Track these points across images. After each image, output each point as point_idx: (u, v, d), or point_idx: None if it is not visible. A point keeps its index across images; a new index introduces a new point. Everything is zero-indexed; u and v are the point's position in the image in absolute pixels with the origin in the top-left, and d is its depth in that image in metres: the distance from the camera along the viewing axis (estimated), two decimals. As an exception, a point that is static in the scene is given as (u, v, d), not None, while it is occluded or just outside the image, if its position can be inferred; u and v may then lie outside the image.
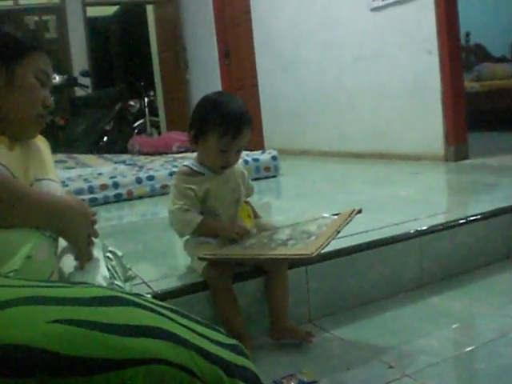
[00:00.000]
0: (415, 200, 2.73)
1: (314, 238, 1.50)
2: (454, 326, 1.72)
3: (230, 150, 1.66)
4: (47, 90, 1.28)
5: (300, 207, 2.89)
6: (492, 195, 2.81)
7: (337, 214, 1.66)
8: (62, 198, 1.18)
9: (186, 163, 1.73)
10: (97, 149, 6.83)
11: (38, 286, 0.77)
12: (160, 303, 0.81)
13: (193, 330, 0.77)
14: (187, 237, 1.72)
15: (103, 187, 3.43)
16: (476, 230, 2.19)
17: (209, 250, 1.60)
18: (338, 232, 1.52)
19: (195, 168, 1.70)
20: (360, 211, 1.63)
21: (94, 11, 9.03)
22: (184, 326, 0.77)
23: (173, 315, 0.78)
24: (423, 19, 3.94)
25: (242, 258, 1.52)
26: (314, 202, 2.97)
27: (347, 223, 1.57)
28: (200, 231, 1.65)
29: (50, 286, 0.78)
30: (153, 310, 0.77)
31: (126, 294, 0.79)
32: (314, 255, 1.38)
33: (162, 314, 0.76)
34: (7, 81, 1.19)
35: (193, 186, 1.65)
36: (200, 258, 1.57)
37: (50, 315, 0.70)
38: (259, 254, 1.49)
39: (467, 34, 6.86)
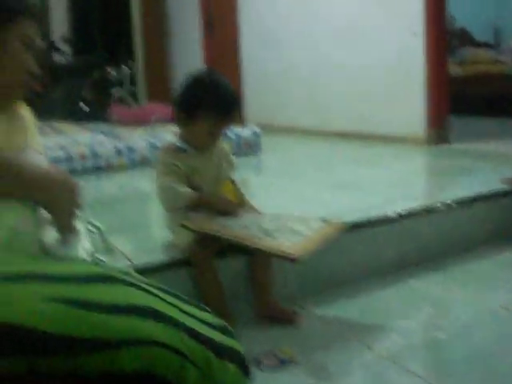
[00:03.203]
0: (396, 182, 2.75)
1: (300, 238, 1.51)
2: (432, 308, 1.75)
3: (220, 131, 1.67)
4: (32, 56, 1.25)
5: (280, 185, 2.89)
6: (471, 180, 2.84)
7: (325, 221, 1.68)
8: (45, 169, 1.15)
9: (170, 140, 1.72)
10: (75, 117, 6.72)
11: (27, 263, 0.76)
12: (149, 281, 0.80)
13: (182, 311, 0.76)
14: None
15: (82, 157, 3.37)
16: (455, 215, 2.22)
17: (194, 222, 1.58)
18: (326, 240, 1.54)
19: (179, 144, 1.69)
20: (347, 227, 1.73)
21: (75, -25, 8.81)
22: (174, 305, 0.76)
23: (162, 294, 0.77)
24: (410, 0, 3.93)
25: (228, 238, 1.51)
26: (295, 181, 2.97)
27: (334, 235, 1.61)
28: (190, 205, 1.64)
29: (41, 263, 0.77)
30: (143, 289, 0.76)
31: (117, 271, 0.78)
32: (298, 258, 1.39)
33: (152, 293, 0.76)
34: None
35: (178, 163, 1.65)
36: (183, 226, 1.56)
37: (46, 294, 0.69)
38: (244, 239, 1.49)
39: (452, 18, 6.87)
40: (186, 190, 1.62)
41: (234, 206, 1.67)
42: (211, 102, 1.60)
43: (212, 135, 1.65)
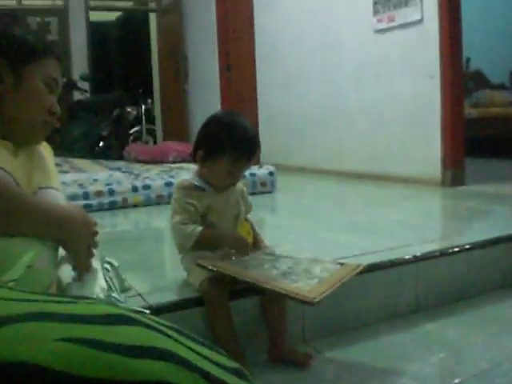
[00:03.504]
0: (411, 224, 2.74)
1: (316, 280, 1.50)
2: (448, 353, 1.72)
3: (240, 172, 1.68)
4: (55, 97, 1.27)
5: (295, 225, 2.89)
6: (488, 223, 2.82)
7: (342, 264, 1.67)
8: (64, 207, 1.17)
9: (186, 177, 1.73)
10: (93, 154, 6.80)
11: (45, 301, 0.76)
12: (165, 323, 0.80)
13: (197, 352, 0.76)
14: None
15: (98, 194, 3.41)
16: (471, 259, 2.20)
17: (209, 261, 1.59)
18: (343, 284, 1.53)
19: (196, 183, 1.70)
20: (365, 269, 1.69)
21: (96, 16, 9.04)
22: (189, 347, 0.76)
23: (177, 336, 0.77)
24: (427, 43, 3.97)
25: (242, 278, 1.51)
26: (310, 221, 2.97)
27: (351, 277, 1.59)
28: (200, 243, 1.64)
29: (58, 302, 0.77)
30: (158, 330, 0.76)
31: (132, 312, 0.78)
32: (315, 301, 1.38)
33: (168, 335, 0.76)
34: (15, 85, 1.18)
35: (193, 201, 1.65)
36: (198, 264, 1.56)
37: (58, 333, 0.69)
38: (260, 281, 1.48)
39: (467, 60, 6.92)
40: (194, 228, 1.62)
41: (246, 243, 1.66)
42: (232, 142, 1.61)
43: (231, 175, 1.66)
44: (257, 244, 1.78)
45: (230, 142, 1.62)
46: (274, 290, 1.45)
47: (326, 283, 1.49)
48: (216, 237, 1.67)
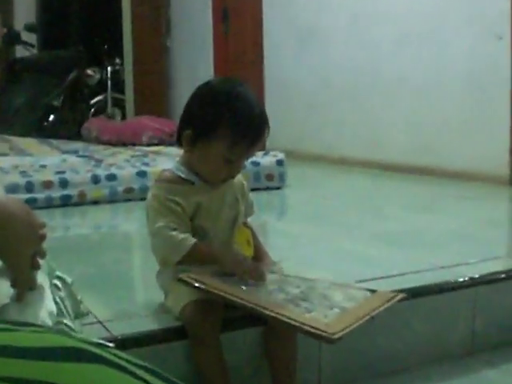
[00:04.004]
0: (468, 235, 2.73)
1: (337, 310, 1.50)
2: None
3: (240, 160, 1.67)
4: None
5: (310, 233, 2.89)
6: None
7: (373, 291, 1.66)
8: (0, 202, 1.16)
9: (168, 167, 1.72)
10: (40, 130, 6.80)
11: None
12: (133, 360, 0.80)
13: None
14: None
15: (47, 185, 3.41)
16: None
17: (196, 274, 1.57)
18: (372, 318, 1.52)
19: (182, 174, 1.69)
20: (406, 298, 1.66)
21: None
22: (165, 393, 0.76)
23: (150, 377, 0.77)
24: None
25: (238, 301, 1.51)
26: (330, 228, 2.97)
27: (384, 308, 1.58)
28: (191, 258, 1.62)
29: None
30: (126, 371, 0.76)
31: (90, 344, 0.78)
32: (335, 338, 1.37)
33: (136, 376, 0.76)
34: None
35: (178, 199, 1.64)
36: (180, 280, 1.55)
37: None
38: (262, 306, 1.47)
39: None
40: (186, 238, 1.61)
41: (254, 269, 1.64)
42: (231, 119, 1.60)
43: (229, 165, 1.64)
44: (259, 258, 1.77)
45: (229, 120, 1.61)
46: (280, 319, 1.45)
47: (351, 315, 1.49)
48: (213, 256, 1.65)
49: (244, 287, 1.57)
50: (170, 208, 1.63)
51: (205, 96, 1.68)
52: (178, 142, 1.71)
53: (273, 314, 1.46)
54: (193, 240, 1.61)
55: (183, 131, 1.67)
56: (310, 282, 1.66)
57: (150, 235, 1.67)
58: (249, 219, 1.84)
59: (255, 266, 1.65)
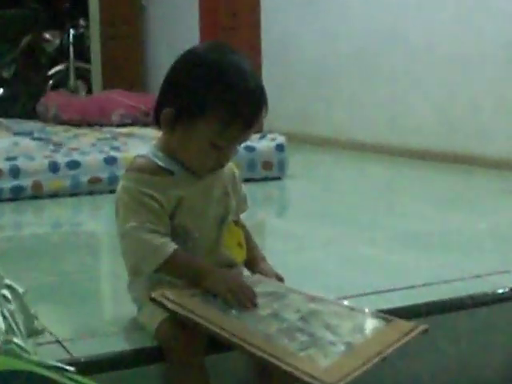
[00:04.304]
0: (508, 238, 2.72)
1: (341, 348, 1.46)
2: None
3: (231, 146, 1.65)
4: None
5: (315, 233, 2.88)
6: None
7: (390, 320, 1.62)
8: None
9: (142, 152, 1.70)
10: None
11: None
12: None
13: None
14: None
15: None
16: None
17: (170, 294, 1.55)
18: (384, 358, 1.48)
19: (160, 162, 1.67)
20: (426, 330, 1.60)
21: None
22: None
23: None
24: None
25: (222, 336, 1.47)
26: (341, 228, 2.96)
27: (402, 344, 1.54)
28: (168, 269, 1.61)
29: None
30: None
31: (45, 368, 0.77)
32: None
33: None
34: None
35: (155, 193, 1.62)
36: (153, 301, 1.54)
37: None
38: (252, 346, 1.44)
39: None
40: (165, 243, 1.59)
41: (252, 295, 1.61)
42: (221, 95, 1.59)
43: (218, 151, 1.63)
44: (253, 264, 1.77)
45: (218, 96, 1.59)
46: (267, 360, 1.42)
47: (357, 355, 1.45)
48: (195, 270, 1.63)
49: (233, 311, 1.55)
50: (144, 204, 1.61)
51: (189, 66, 1.66)
52: (156, 122, 1.69)
53: (259, 354, 1.43)
54: (173, 246, 1.59)
55: (162, 109, 1.65)
56: (313, 303, 1.64)
57: (120, 237, 1.65)
58: (241, 216, 1.83)
59: (244, 288, 1.61)
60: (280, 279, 1.75)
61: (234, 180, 1.78)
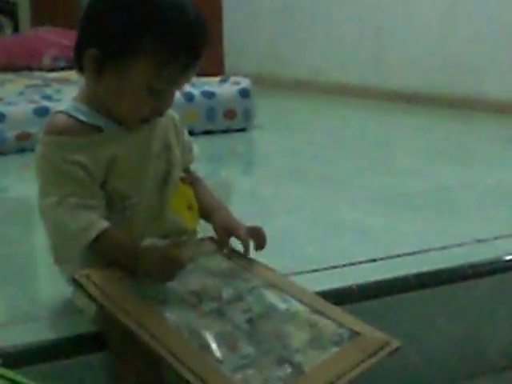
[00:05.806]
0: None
1: (288, 371, 1.42)
2: None
3: (170, 89, 1.63)
4: None
5: (289, 194, 2.88)
6: None
7: (355, 334, 1.55)
8: None
9: (60, 109, 1.67)
10: None
11: None
12: (24, 382, 0.79)
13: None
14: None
15: None
16: None
17: (99, 274, 1.56)
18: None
19: (83, 117, 1.64)
20: (397, 348, 1.54)
21: None
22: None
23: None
24: None
25: (142, 338, 1.44)
26: (316, 186, 2.96)
27: (364, 368, 1.47)
28: (100, 251, 1.60)
29: None
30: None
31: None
32: None
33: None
34: None
35: (80, 158, 1.60)
36: (76, 282, 1.54)
37: None
38: (173, 355, 1.40)
39: None
40: (93, 221, 1.58)
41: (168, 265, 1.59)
42: (158, 30, 1.57)
43: (156, 95, 1.61)
44: (208, 214, 1.78)
45: (152, 31, 1.57)
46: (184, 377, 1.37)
47: (316, 379, 1.42)
48: (131, 251, 1.62)
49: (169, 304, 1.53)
50: (66, 173, 1.59)
51: None
52: (78, 67, 1.67)
53: (178, 368, 1.38)
54: (97, 227, 1.58)
55: (84, 50, 1.62)
56: (271, 292, 1.62)
57: (41, 214, 1.63)
58: (192, 168, 1.84)
59: (167, 261, 1.59)
60: (256, 232, 1.76)
61: (175, 128, 1.78)
